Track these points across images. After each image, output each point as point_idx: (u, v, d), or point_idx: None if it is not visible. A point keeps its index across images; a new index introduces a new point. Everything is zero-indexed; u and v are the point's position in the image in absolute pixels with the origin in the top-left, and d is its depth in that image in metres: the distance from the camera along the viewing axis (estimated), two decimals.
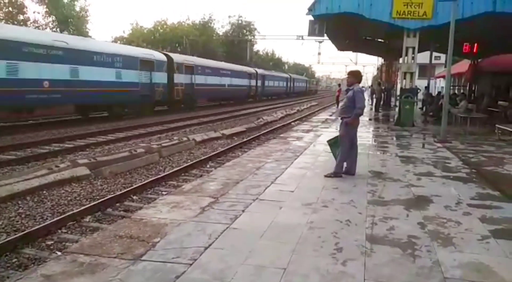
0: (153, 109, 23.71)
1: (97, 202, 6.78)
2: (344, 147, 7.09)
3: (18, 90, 14.64)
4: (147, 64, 22.40)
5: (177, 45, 49.17)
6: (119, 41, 45.61)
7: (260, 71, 45.18)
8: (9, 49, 14.37)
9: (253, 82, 41.81)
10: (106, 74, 19.21)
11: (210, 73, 30.43)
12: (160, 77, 23.56)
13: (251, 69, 42.31)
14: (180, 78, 25.70)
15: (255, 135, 15.37)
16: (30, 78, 15.16)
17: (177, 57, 26.41)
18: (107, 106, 20.85)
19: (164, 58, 24.47)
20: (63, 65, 16.60)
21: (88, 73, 17.99)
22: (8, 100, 14.52)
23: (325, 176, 7.06)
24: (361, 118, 7.43)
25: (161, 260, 3.68)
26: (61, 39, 17.43)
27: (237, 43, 58.06)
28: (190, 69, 27.19)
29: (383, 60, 34.56)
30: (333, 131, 13.44)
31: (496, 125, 13.21)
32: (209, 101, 34.14)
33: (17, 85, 14.59)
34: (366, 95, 34.06)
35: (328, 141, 7.82)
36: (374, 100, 25.96)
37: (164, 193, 7.38)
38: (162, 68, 23.86)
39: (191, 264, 3.60)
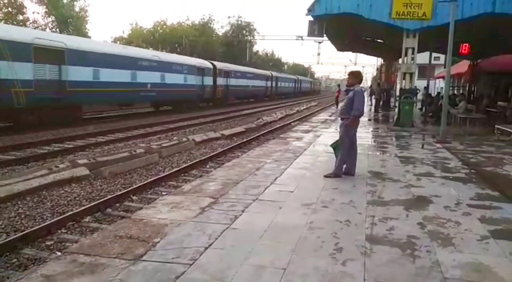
0: (199, 105, 30.39)
1: (96, 202, 6.79)
2: (344, 147, 7.09)
3: (136, 90, 21.85)
4: (201, 71, 29.45)
5: (176, 45, 49.19)
6: (118, 42, 45.61)
7: (274, 73, 51.66)
8: (131, 63, 21.38)
9: (269, 84, 48.36)
10: (179, 79, 26.31)
11: (239, 77, 37.92)
12: (209, 80, 30.80)
13: (267, 72, 49.17)
14: (220, 81, 33.07)
15: (255, 136, 15.38)
16: (142, 82, 22.22)
17: (219, 65, 33.58)
18: (176, 102, 27.34)
19: (211, 65, 31.57)
20: (157, 72, 23.77)
21: (170, 78, 25.17)
22: (130, 97, 22.23)
23: (325, 176, 7.07)
24: (360, 119, 7.42)
25: (161, 260, 3.68)
26: (156, 54, 26.00)
27: (236, 44, 58.08)
28: (227, 74, 34.55)
29: (382, 60, 34.59)
30: (333, 131, 13.48)
31: (496, 125, 13.22)
32: (237, 99, 40.23)
33: (136, 87, 21.69)
34: (366, 95, 34.17)
35: (331, 145, 7.79)
36: (374, 101, 25.99)
37: (164, 193, 7.39)
38: (210, 73, 31.04)
39: (191, 264, 3.60)
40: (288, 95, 58.73)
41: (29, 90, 14.88)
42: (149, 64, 22.94)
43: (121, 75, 20.46)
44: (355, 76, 7.18)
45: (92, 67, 18.27)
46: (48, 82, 15.88)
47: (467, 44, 17.91)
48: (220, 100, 33.21)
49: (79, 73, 17.41)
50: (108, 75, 19.36)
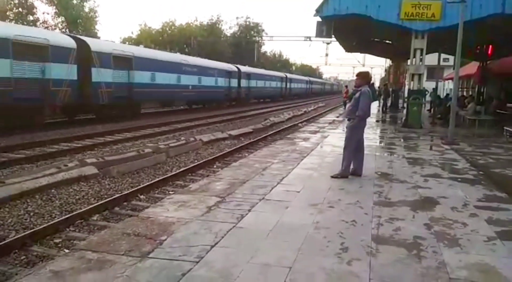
0: None
1: (105, 201, 6.85)
2: (350, 148, 7.07)
3: None
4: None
5: (185, 46, 49.40)
6: (127, 42, 45.85)
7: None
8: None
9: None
10: None
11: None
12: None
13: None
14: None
15: (262, 136, 15.39)
16: None
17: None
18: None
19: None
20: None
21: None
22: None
23: (332, 177, 7.06)
24: (368, 119, 7.41)
25: (168, 257, 3.71)
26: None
27: (244, 44, 58.11)
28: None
29: (391, 61, 34.46)
30: (340, 132, 13.46)
31: (505, 127, 13.12)
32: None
33: None
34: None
35: None
36: (381, 102, 25.96)
37: (171, 192, 7.43)
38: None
39: (197, 262, 3.63)
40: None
41: None
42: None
43: None
44: (363, 77, 7.16)
45: None
46: None
47: (482, 46, 17.75)
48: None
49: None
50: None
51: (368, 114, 7.13)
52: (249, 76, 38.51)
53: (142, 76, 21.76)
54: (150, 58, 22.93)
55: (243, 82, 37.16)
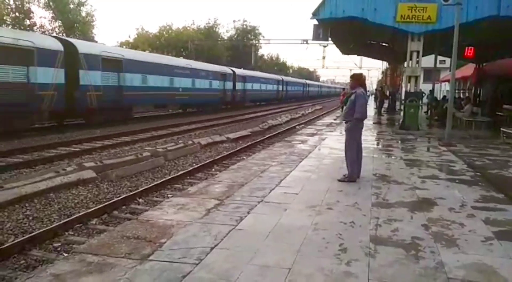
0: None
1: (103, 204, 6.86)
2: (351, 150, 7.07)
3: None
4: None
5: (182, 49, 49.46)
6: (124, 46, 45.89)
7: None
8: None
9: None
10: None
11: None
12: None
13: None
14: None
15: (260, 139, 15.42)
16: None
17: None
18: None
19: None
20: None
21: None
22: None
23: (339, 180, 7.01)
24: (366, 121, 7.45)
25: (168, 260, 3.73)
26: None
27: (241, 48, 58.17)
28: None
29: (387, 64, 34.57)
30: (338, 134, 13.51)
31: (501, 129, 13.19)
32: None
33: None
34: (372, 98, 34.21)
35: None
36: (377, 104, 26.12)
37: (169, 195, 7.43)
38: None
39: (197, 264, 3.65)
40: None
41: None
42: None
43: None
44: (356, 79, 7.20)
45: None
46: None
47: (471, 48, 17.86)
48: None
49: None
50: None
51: (365, 116, 7.14)
52: (287, 83, 54.89)
53: (251, 85, 39.92)
54: (251, 76, 40.92)
55: (284, 88, 53.03)
